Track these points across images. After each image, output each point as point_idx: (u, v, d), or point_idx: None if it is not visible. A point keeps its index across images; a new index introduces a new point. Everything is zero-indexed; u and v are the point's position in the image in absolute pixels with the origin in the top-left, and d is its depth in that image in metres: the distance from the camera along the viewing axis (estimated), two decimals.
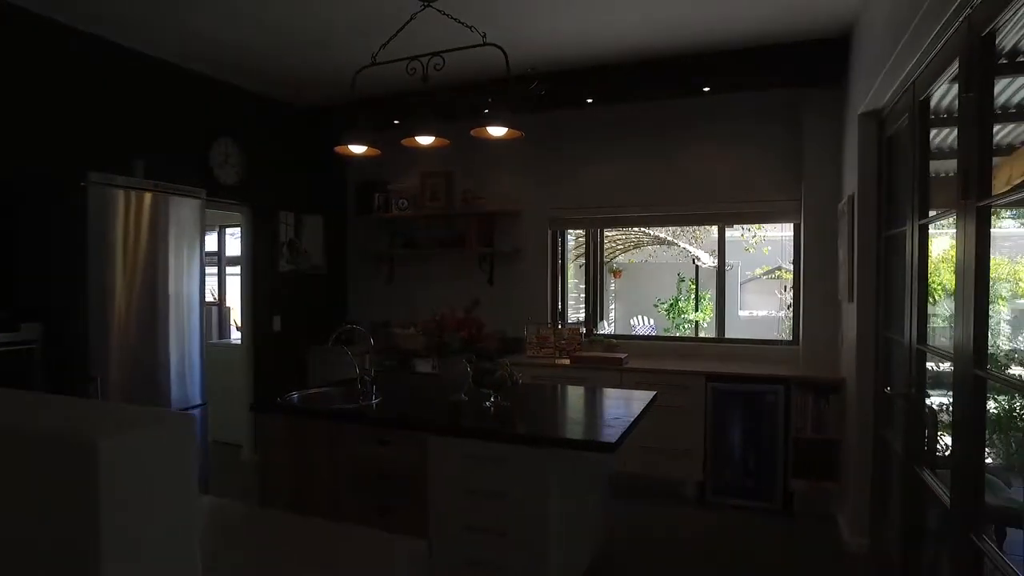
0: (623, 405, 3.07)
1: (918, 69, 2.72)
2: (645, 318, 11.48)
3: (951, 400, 2.24)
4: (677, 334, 10.39)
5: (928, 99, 2.72)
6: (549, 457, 2.46)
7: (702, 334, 9.89)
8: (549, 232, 5.58)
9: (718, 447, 4.45)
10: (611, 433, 2.50)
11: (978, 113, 2.05)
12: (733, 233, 14.11)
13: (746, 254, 12.75)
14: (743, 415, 4.39)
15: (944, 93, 2.63)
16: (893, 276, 3.42)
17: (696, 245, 12.18)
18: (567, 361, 4.96)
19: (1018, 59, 2.20)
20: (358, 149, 3.45)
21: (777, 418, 4.30)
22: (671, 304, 10.55)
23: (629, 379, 4.62)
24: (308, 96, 5.37)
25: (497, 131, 3.15)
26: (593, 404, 3.14)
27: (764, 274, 12.13)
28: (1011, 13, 1.90)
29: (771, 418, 4.32)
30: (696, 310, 9.88)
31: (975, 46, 2.07)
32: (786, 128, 4.77)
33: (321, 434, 2.88)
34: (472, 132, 3.22)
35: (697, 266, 10.11)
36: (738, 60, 4.34)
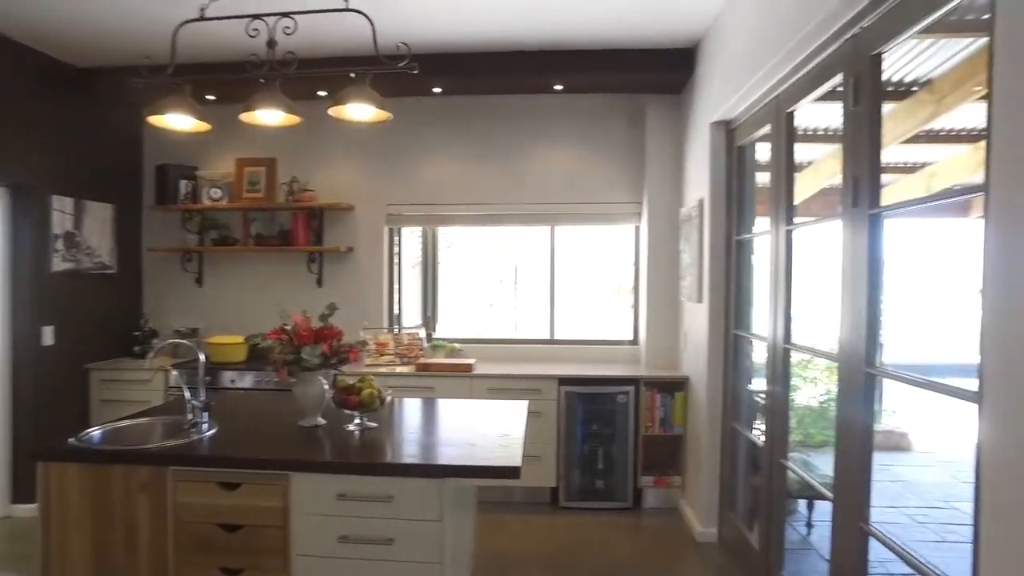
0: (502, 419, 2.84)
1: (785, 83, 2.83)
2: (465, 317, 11.40)
3: (835, 396, 2.32)
4: (502, 334, 10.49)
5: (793, 112, 2.85)
6: (445, 489, 2.15)
7: (524, 333, 10.08)
8: (386, 230, 5.18)
9: (571, 451, 4.41)
10: (511, 455, 2.26)
11: (868, 125, 2.12)
12: (547, 232, 14.59)
13: (568, 254, 13.24)
14: (595, 417, 4.40)
15: (810, 107, 2.77)
16: (742, 278, 3.59)
17: (517, 245, 12.34)
18: (410, 369, 4.62)
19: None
20: (179, 122, 2.82)
21: (627, 418, 4.36)
22: (490, 305, 10.57)
23: (480, 386, 4.41)
24: (96, 55, 4.40)
25: (362, 112, 2.74)
26: (471, 420, 2.87)
27: (587, 276, 12.74)
28: (903, 37, 1.98)
29: (622, 419, 4.37)
30: (516, 310, 9.99)
31: (864, 63, 2.14)
32: (631, 132, 4.88)
33: (138, 483, 2.26)
34: (330, 111, 2.78)
35: (516, 267, 10.22)
36: (592, 60, 4.32)
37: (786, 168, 2.86)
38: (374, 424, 2.67)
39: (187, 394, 2.60)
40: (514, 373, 4.44)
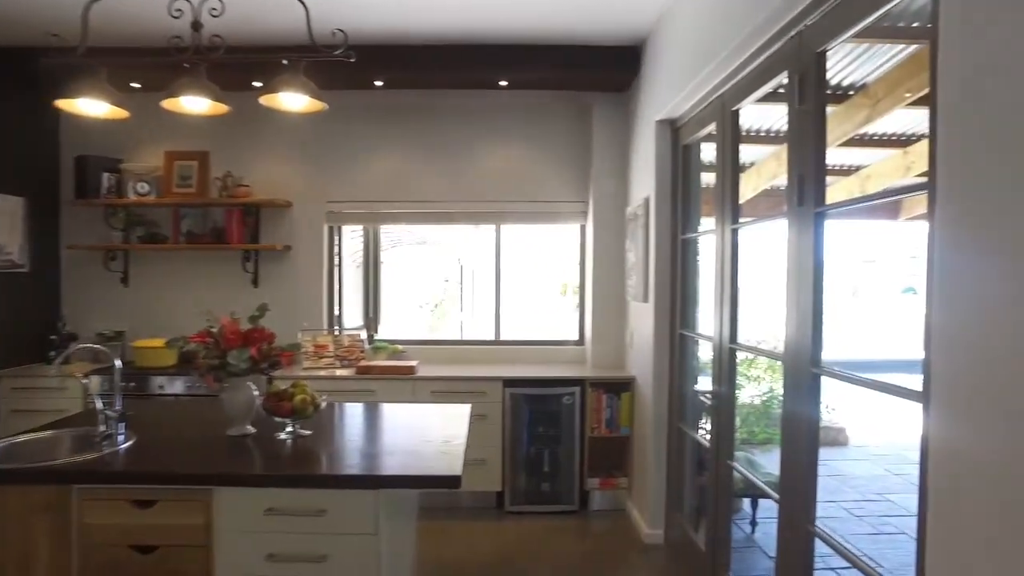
0: (444, 424, 2.73)
1: (730, 82, 2.81)
2: (409, 317, 11.21)
3: (780, 395, 2.31)
4: (447, 335, 10.34)
5: (738, 111, 2.83)
6: (382, 501, 2.02)
7: (469, 333, 9.97)
8: (326, 228, 4.99)
9: (517, 454, 4.33)
10: (451, 463, 2.15)
11: (813, 123, 2.11)
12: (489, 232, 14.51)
13: (515, 253, 13.17)
14: (541, 419, 4.33)
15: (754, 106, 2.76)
16: (688, 277, 3.58)
17: (461, 244, 12.21)
18: (350, 372, 4.45)
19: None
20: (93, 107, 2.61)
21: (573, 420, 4.31)
22: (436, 305, 10.42)
23: (423, 389, 4.29)
24: (2, 33, 4.07)
25: (295, 101, 2.59)
26: (411, 425, 2.74)
27: (534, 275, 12.67)
28: (846, 35, 1.97)
29: (568, 420, 4.31)
30: (461, 309, 9.87)
31: (809, 60, 2.13)
32: (577, 130, 4.84)
33: (38, 504, 2.05)
34: (261, 100, 2.61)
35: (462, 266, 10.11)
36: (537, 56, 4.25)
37: (731, 167, 2.85)
38: (308, 432, 2.52)
39: (99, 403, 2.39)
40: (458, 375, 4.32)
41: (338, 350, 4.74)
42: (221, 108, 2.65)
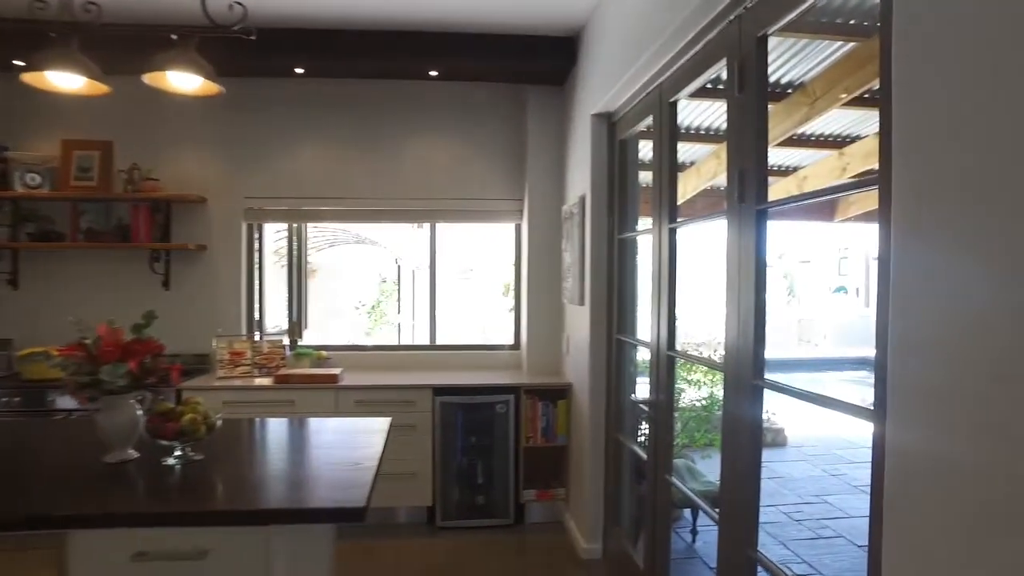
0: (358, 441, 2.47)
1: (668, 71, 2.64)
2: (344, 321, 10.80)
3: (721, 403, 2.14)
4: (381, 340, 9.96)
5: (676, 102, 2.67)
6: (276, 538, 1.75)
7: (405, 336, 9.63)
8: (244, 225, 4.63)
9: (448, 466, 4.08)
10: (356, 492, 1.89)
11: (754, 113, 1.95)
12: (423, 232, 14.18)
13: (453, 254, 12.87)
14: (474, 429, 4.10)
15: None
16: (625, 279, 3.41)
17: (397, 244, 11.88)
18: (269, 381, 4.12)
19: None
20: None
21: (507, 429, 4.09)
22: (373, 306, 10.06)
23: (347, 399, 4.00)
24: None
25: (185, 81, 2.28)
26: (320, 444, 2.47)
27: (460, 276, 12.39)
28: (787, 18, 1.81)
29: (502, 429, 4.10)
30: (399, 312, 9.56)
31: (748, 47, 1.97)
32: (512, 126, 4.63)
33: None
34: (145, 79, 2.30)
35: (399, 266, 9.79)
36: (470, 45, 4.02)
37: (669, 161, 2.68)
38: (199, 456, 2.21)
39: None
40: (384, 383, 4.05)
41: (256, 357, 4.40)
42: (100, 88, 2.32)
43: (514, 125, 4.62)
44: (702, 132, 5.05)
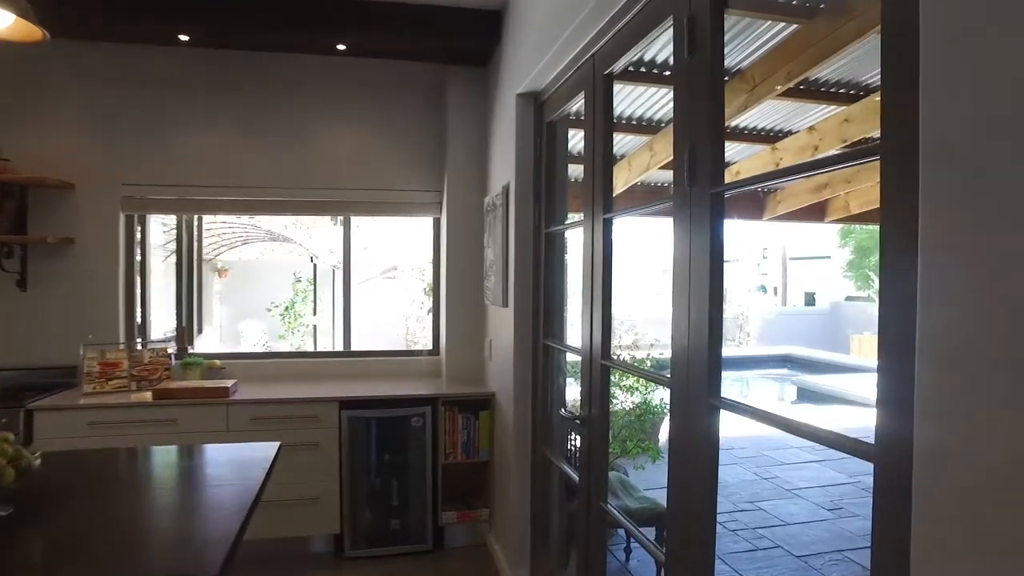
0: (231, 475, 2.01)
1: (603, 38, 2.30)
2: (257, 323, 10.07)
3: (669, 436, 1.81)
4: (293, 343, 9.31)
5: (612, 74, 2.33)
6: None
7: (322, 339, 9.02)
8: (123, 217, 4.01)
9: (357, 488, 3.63)
10: (209, 556, 1.45)
11: (708, 78, 1.62)
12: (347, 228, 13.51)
13: (364, 252, 12.24)
14: (386, 445, 3.66)
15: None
16: (553, 278, 3.06)
17: (314, 240, 11.19)
18: (148, 396, 3.55)
19: None
20: None
21: (424, 444, 3.68)
22: (287, 307, 9.39)
23: (240, 416, 3.48)
24: None
25: None
26: (180, 482, 2.00)
27: (381, 274, 11.79)
28: None
29: (417, 445, 3.68)
30: (315, 313, 8.94)
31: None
32: (431, 110, 4.21)
33: None
34: None
35: (315, 264, 9.17)
36: (382, 16, 3.58)
37: (603, 142, 2.34)
38: (5, 511, 1.70)
39: None
40: (283, 397, 3.55)
41: (135, 369, 3.80)
42: None
43: (433, 109, 4.21)
44: (634, 122, 4.78)
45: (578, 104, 2.68)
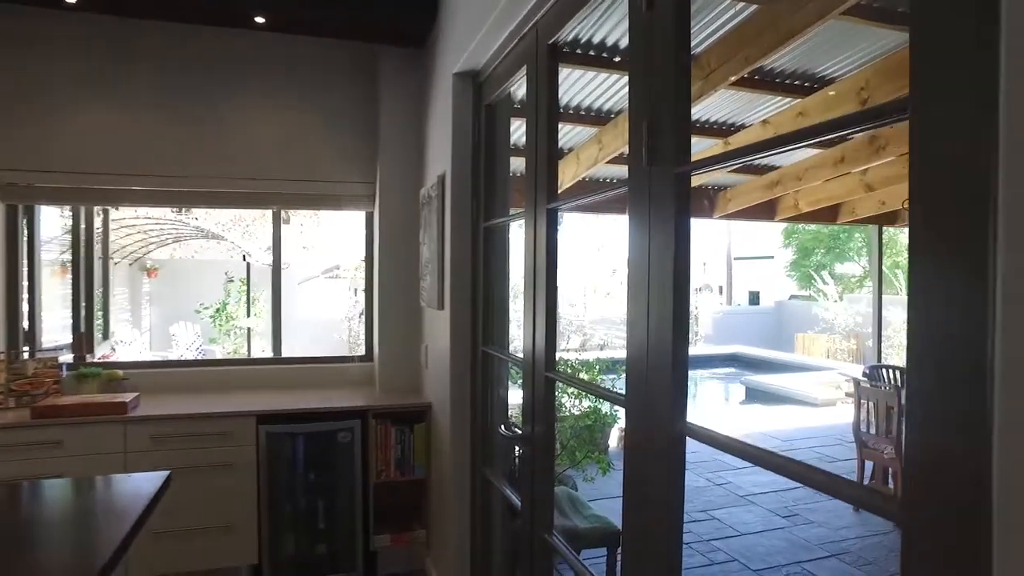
0: (86, 523, 1.63)
1: (546, 4, 2.00)
2: (190, 325, 9.45)
3: (625, 469, 1.52)
4: (227, 348, 8.75)
5: (558, 44, 2.04)
6: None
7: (261, 343, 8.50)
8: (2, 207, 3.52)
9: (278, 512, 3.24)
10: None
11: (671, 36, 1.33)
12: (290, 226, 12.97)
13: (305, 250, 11.70)
14: (311, 463, 3.29)
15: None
16: (493, 278, 2.76)
17: (249, 238, 10.62)
18: (27, 414, 3.08)
19: None
20: None
21: (353, 462, 3.32)
22: (218, 309, 8.82)
23: (140, 435, 3.06)
24: None
25: None
26: (26, 528, 1.61)
27: (324, 273, 11.26)
28: None
29: (346, 462, 3.31)
30: (248, 315, 8.41)
31: None
32: (362, 93, 3.86)
33: None
34: None
35: (248, 263, 8.63)
36: None
37: (547, 124, 2.04)
38: None
39: None
40: (191, 412, 3.14)
41: (15, 382, 3.32)
42: None
43: (365, 93, 3.85)
44: (582, 112, 4.52)
45: (520, 84, 2.38)
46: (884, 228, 7.66)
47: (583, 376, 4.71)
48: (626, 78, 3.57)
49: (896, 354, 9.58)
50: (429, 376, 3.42)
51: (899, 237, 12.69)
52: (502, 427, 2.24)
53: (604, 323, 12.82)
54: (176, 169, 3.63)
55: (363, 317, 4.15)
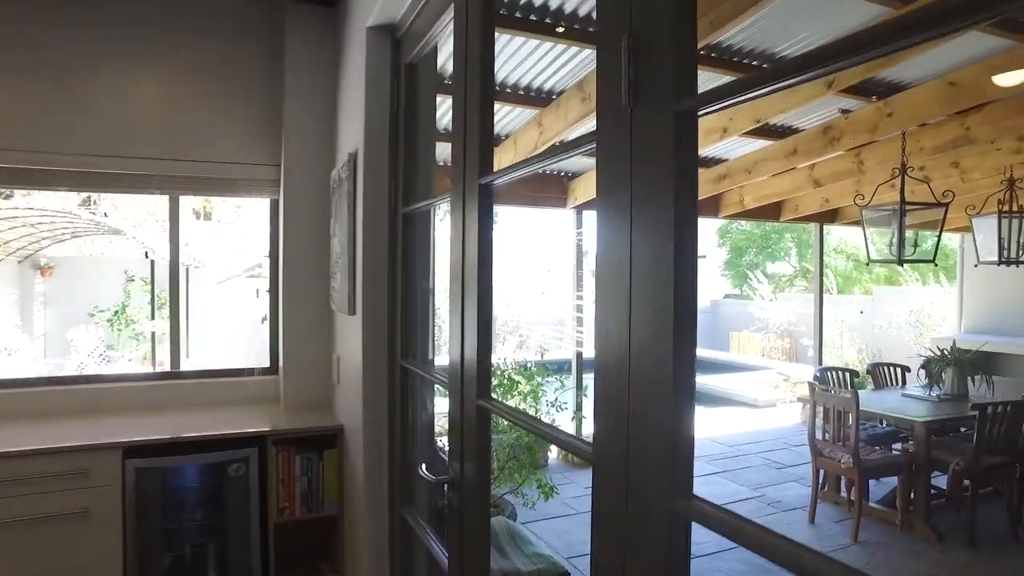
0: None
1: None
2: (93, 329, 8.49)
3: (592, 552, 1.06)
4: (128, 356, 7.87)
5: None
6: None
7: (165, 350, 7.68)
8: None
9: (150, 564, 2.64)
10: None
11: None
12: (211, 221, 12.00)
13: (221, 247, 10.79)
14: (195, 503, 2.70)
15: None
16: (415, 276, 2.26)
17: (166, 234, 9.67)
18: None
19: None
20: None
21: (248, 498, 2.74)
22: (117, 312, 7.93)
23: None
24: None
25: None
26: None
27: (245, 272, 10.39)
28: None
29: (239, 500, 2.74)
30: (153, 318, 7.59)
31: None
32: (264, 58, 3.28)
33: None
34: None
35: (153, 261, 7.80)
36: None
37: (480, 79, 1.56)
38: None
39: None
40: (36, 447, 2.49)
41: None
42: None
43: (268, 58, 3.27)
44: (521, 92, 4.05)
45: (447, 38, 1.89)
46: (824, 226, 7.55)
47: (520, 382, 4.24)
48: (572, 50, 3.08)
49: (830, 352, 9.58)
50: (341, 393, 2.88)
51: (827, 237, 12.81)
52: (423, 467, 1.74)
53: (542, 324, 12.43)
54: (27, 142, 2.96)
55: (265, 323, 3.56)
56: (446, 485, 1.64)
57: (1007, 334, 7.50)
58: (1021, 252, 5.20)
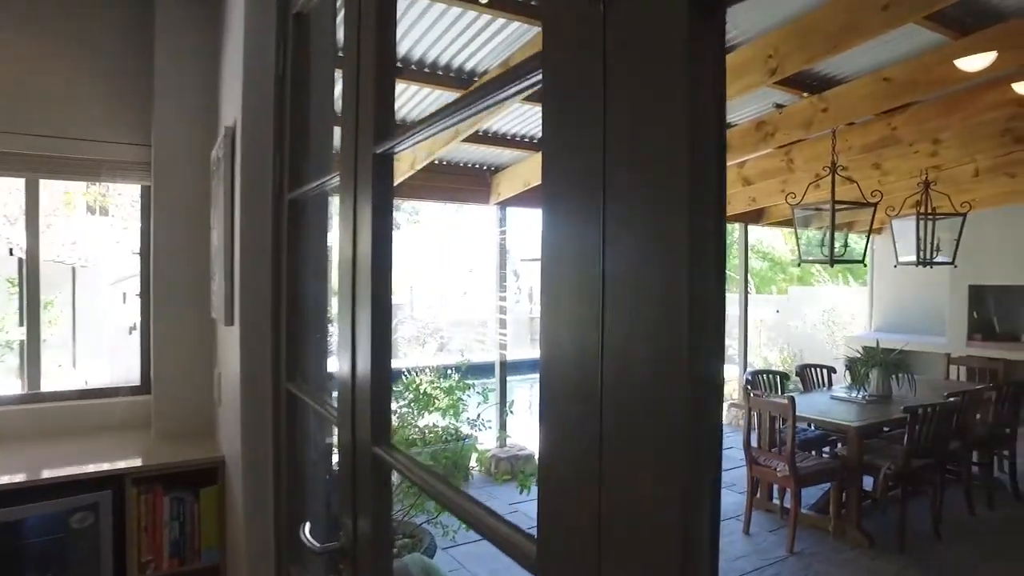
0: None
1: None
2: None
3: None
4: None
5: None
6: None
7: (49, 359, 6.76)
8: None
9: None
10: None
11: None
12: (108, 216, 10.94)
13: (116, 241, 9.81)
14: (23, 566, 2.16)
15: None
16: (303, 277, 1.83)
17: (51, 232, 8.66)
18: None
19: None
20: None
21: (98, 554, 2.23)
22: None
23: None
24: None
25: None
26: None
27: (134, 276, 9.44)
28: None
29: (86, 558, 2.21)
30: (22, 324, 6.67)
31: None
32: (133, 18, 2.75)
33: None
34: None
35: (21, 259, 6.86)
36: None
37: (377, 14, 1.17)
38: None
39: None
40: None
41: None
42: None
43: (139, 15, 2.75)
44: (440, 73, 3.66)
45: None
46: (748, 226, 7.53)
47: (438, 398, 3.81)
48: (498, 23, 2.67)
49: (752, 353, 9.65)
50: (223, 418, 2.40)
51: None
52: (306, 529, 1.33)
53: (463, 325, 12.04)
54: None
55: (133, 333, 3.02)
56: (334, 557, 1.24)
57: (914, 332, 7.72)
58: (935, 253, 5.28)
